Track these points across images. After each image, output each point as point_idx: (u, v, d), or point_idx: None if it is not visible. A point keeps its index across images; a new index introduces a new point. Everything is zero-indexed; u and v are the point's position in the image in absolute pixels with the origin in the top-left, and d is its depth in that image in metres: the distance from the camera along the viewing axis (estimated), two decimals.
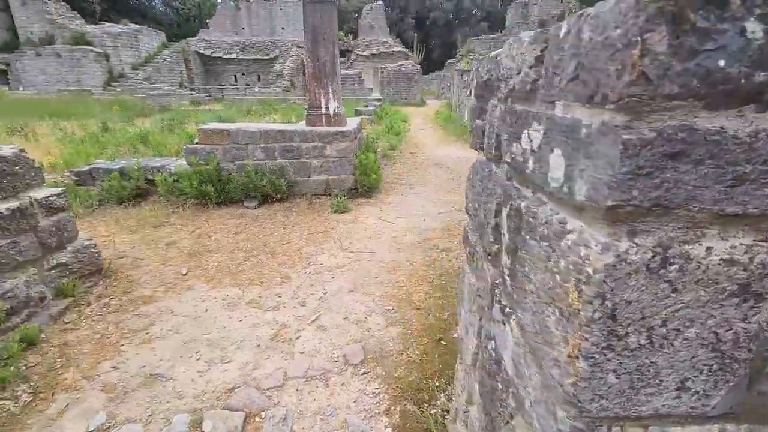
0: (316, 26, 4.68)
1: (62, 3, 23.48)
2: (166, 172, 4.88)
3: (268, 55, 28.41)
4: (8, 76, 21.51)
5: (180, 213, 4.56)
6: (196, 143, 4.98)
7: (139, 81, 22.39)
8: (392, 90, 24.70)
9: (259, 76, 28.58)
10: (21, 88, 20.77)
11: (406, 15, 48.79)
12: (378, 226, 4.29)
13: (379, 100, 19.03)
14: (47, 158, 5.68)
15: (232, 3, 34.37)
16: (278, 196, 4.90)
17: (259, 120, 13.24)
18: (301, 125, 5.17)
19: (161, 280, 3.11)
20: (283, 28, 29.97)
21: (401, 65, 25.37)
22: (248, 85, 28.44)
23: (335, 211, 4.66)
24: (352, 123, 5.46)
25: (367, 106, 15.91)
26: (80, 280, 2.86)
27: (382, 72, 24.53)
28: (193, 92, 24.27)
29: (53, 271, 2.69)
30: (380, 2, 32.24)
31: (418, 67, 25.45)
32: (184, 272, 3.22)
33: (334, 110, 5.00)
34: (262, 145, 4.88)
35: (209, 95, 25.68)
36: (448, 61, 31.28)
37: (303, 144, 4.93)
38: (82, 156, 5.80)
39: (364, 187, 5.18)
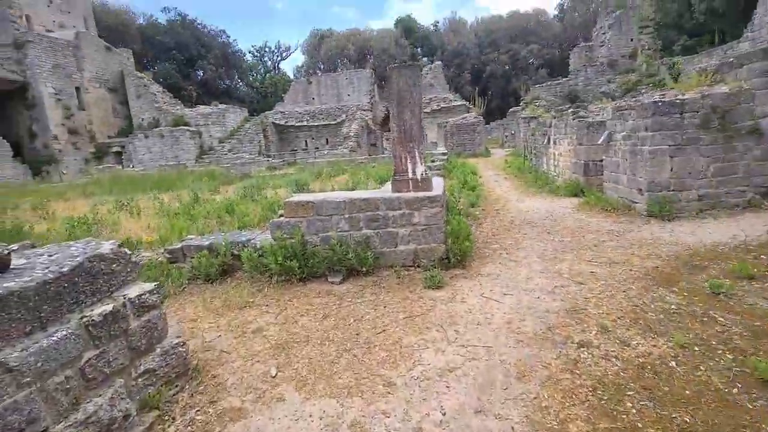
0: (402, 90, 4.49)
1: (167, 93, 27.64)
2: (252, 248, 4.77)
3: (335, 119, 30.38)
4: (122, 156, 25.20)
5: (264, 292, 4.31)
6: (281, 216, 4.86)
7: (225, 152, 24.88)
8: (456, 142, 24.64)
9: (327, 139, 30.45)
10: (132, 165, 24.09)
11: (462, 71, 50.31)
12: (483, 306, 3.62)
13: (444, 153, 18.90)
14: (146, 237, 5.96)
15: (303, 78, 38.13)
16: (364, 269, 4.50)
17: (331, 181, 13.59)
18: (386, 191, 4.85)
19: (249, 383, 2.71)
20: (348, 95, 32.17)
21: (463, 118, 25.46)
22: (317, 148, 30.35)
23: (428, 287, 4.11)
24: (438, 186, 5.04)
25: (434, 161, 15.74)
26: (166, 387, 2.55)
27: (445, 126, 24.75)
28: (269, 158, 26.35)
29: (140, 380, 2.41)
30: (439, 62, 33.62)
31: (480, 118, 25.33)
32: (274, 374, 2.80)
33: (421, 174, 4.63)
34: (346, 216, 4.60)
35: (283, 160, 27.69)
36: (511, 109, 31.02)
37: (389, 212, 4.56)
38: (176, 231, 6.01)
39: (456, 256, 4.61)
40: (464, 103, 30.27)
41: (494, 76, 49.22)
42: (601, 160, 7.80)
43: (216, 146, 25.58)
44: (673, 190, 5.67)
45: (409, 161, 4.62)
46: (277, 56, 57.23)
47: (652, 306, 3.33)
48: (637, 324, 3.07)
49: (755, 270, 3.69)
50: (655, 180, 5.69)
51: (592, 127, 7.87)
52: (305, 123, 30.94)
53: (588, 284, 3.91)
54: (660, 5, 26.76)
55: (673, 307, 3.27)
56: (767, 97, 5.33)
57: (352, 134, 26.77)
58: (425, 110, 30.50)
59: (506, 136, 30.48)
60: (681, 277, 3.83)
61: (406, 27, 52.47)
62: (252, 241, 4.94)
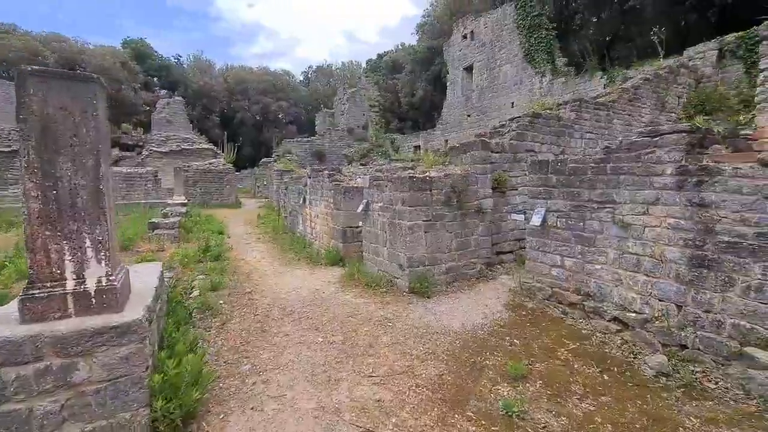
0: (53, 120, 2.28)
1: None
2: None
3: (10, 147, 20.84)
4: None
5: None
6: None
7: None
8: (201, 191, 21.42)
9: None
10: None
11: (210, 113, 47.03)
12: None
13: (183, 204, 15.62)
14: None
15: None
16: None
17: None
18: (5, 320, 2.32)
19: None
20: None
21: (210, 163, 22.66)
22: None
23: None
24: (141, 293, 2.91)
25: (168, 216, 12.46)
26: None
27: (187, 171, 21.14)
28: None
29: None
30: (178, 97, 29.54)
31: (231, 166, 23.27)
32: None
33: (100, 282, 2.43)
34: None
35: None
36: (263, 159, 30.38)
37: (9, 371, 2.10)
38: None
39: (175, 420, 2.58)
40: (212, 147, 27.34)
41: (245, 124, 48.34)
42: (359, 227, 7.54)
43: None
44: (428, 265, 5.66)
45: (68, 257, 2.35)
46: None
47: None
48: None
49: (523, 364, 3.55)
50: (414, 256, 5.54)
51: (349, 192, 7.56)
52: None
53: (380, 430, 2.77)
54: (381, 93, 33.46)
55: None
56: (485, 182, 6.21)
57: None
58: (160, 149, 25.59)
59: (258, 187, 29.38)
60: (468, 391, 3.26)
61: (138, 51, 44.80)
62: None
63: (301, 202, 10.53)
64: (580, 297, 4.54)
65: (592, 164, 4.42)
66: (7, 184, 19.48)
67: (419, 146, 23.34)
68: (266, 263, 7.92)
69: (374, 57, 48.96)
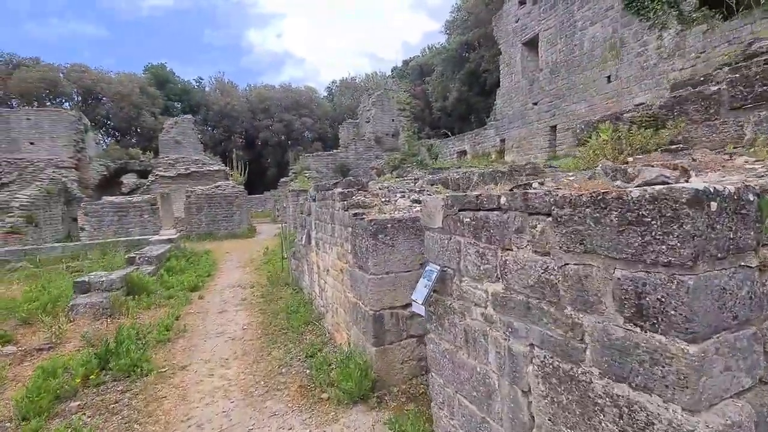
0: None
1: None
2: None
3: None
4: None
5: None
6: None
7: None
8: (205, 219, 18.02)
9: None
10: None
11: (232, 134, 45.02)
12: None
13: (170, 240, 12.07)
14: None
15: None
16: None
17: None
18: None
19: None
20: (32, 144, 20.90)
21: (217, 186, 19.36)
22: None
23: None
24: None
25: (134, 260, 8.82)
26: None
27: (189, 196, 17.90)
28: None
29: None
30: (188, 116, 26.99)
31: (242, 188, 19.90)
32: None
33: None
34: None
35: None
36: (282, 179, 27.04)
37: None
38: None
39: None
40: (223, 168, 24.26)
41: (269, 144, 45.90)
42: (408, 306, 3.35)
43: None
44: None
45: None
46: None
47: None
48: None
49: None
50: None
51: (385, 233, 3.39)
52: None
53: None
54: (410, 97, 29.62)
55: None
56: None
57: (18, 205, 16.06)
58: (167, 174, 22.71)
59: (278, 210, 26.01)
60: None
61: (159, 76, 43.73)
62: None
63: (304, 240, 6.47)
64: None
65: None
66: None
67: (465, 151, 18.93)
68: (219, 384, 3.82)
69: (399, 64, 45.58)
